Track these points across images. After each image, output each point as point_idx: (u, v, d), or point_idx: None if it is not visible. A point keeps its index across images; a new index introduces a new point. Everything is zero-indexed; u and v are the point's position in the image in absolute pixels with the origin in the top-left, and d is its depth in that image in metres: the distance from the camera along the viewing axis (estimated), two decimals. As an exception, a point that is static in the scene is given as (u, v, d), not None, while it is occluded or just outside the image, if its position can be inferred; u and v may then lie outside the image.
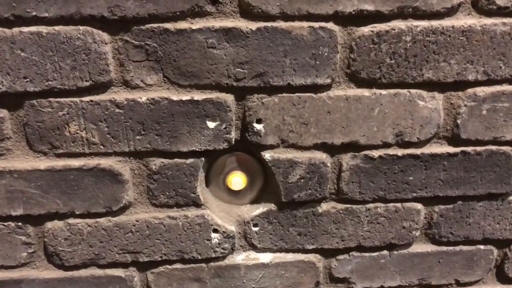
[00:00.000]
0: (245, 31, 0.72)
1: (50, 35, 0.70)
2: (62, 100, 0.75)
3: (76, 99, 0.75)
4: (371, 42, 0.75)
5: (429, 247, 0.97)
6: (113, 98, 0.75)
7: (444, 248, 0.97)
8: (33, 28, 0.70)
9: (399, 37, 0.74)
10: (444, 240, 0.96)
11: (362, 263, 0.97)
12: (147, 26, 0.71)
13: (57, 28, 0.70)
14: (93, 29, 0.70)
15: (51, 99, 0.74)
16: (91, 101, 0.75)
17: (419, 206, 0.91)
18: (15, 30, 0.69)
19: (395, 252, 0.97)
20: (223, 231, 0.88)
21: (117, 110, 0.76)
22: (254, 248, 0.93)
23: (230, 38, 0.72)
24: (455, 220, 0.94)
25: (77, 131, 0.77)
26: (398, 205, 0.91)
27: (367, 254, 0.96)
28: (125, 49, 0.72)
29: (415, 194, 0.89)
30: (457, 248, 0.98)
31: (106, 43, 0.71)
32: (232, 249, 0.91)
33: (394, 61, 0.76)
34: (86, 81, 0.73)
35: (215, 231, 0.89)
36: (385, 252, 0.96)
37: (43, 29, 0.70)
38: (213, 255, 0.91)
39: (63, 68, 0.72)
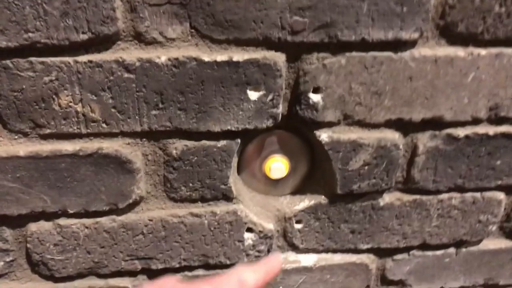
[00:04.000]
0: (310, -37, 0.50)
1: (29, -36, 0.47)
2: (48, 60, 0.53)
3: (69, 59, 0.53)
4: (478, -18, 0.54)
5: (503, 243, 0.80)
6: (121, 57, 0.54)
7: (520, 244, 0.80)
8: (2, -48, 0.47)
9: (517, -25, 0.54)
10: (523, 235, 0.79)
11: (423, 263, 0.79)
12: (172, -48, 0.49)
13: (39, -48, 0.47)
14: (93, -45, 0.48)
15: (33, 59, 0.52)
16: (90, 62, 0.53)
17: (501, 195, 0.73)
18: (-24, -46, 0.47)
19: (463, 250, 0.79)
20: (260, 230, 0.69)
21: (126, 75, 0.54)
22: (294, 248, 0.74)
23: (288, -27, 0.51)
24: (540, 211, 0.76)
25: (70, 104, 0.55)
26: (477, 195, 0.72)
27: (430, 253, 0.78)
28: (139, -13, 0.50)
29: (499, 182, 0.71)
30: (536, 243, 0.81)
31: (111, -22, 0.49)
32: (268, 250, 0.72)
33: (505, 9, 0.56)
34: (83, 33, 0.51)
35: (250, 230, 0.69)
36: (451, 250, 0.79)
37: (18, -46, 0.47)
38: (245, 260, 0.72)
39: (50, 14, 0.50)
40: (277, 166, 0.67)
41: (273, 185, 0.71)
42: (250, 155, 0.68)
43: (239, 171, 0.69)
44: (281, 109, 0.60)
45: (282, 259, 0.52)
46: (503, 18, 0.57)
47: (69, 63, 0.53)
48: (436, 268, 0.80)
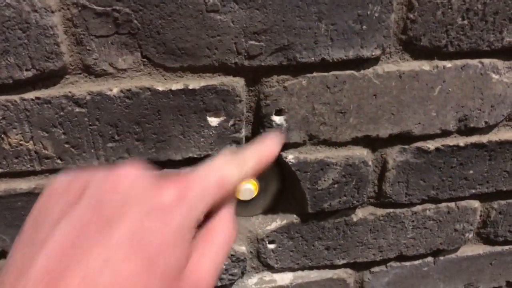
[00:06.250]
0: (262, -14, 0.48)
1: (-38, 2, 0.45)
2: (-8, 99, 0.50)
3: (15, 97, 0.50)
4: (439, -4, 0.52)
5: (481, 249, 0.79)
6: (70, 92, 0.51)
7: (498, 248, 0.80)
8: None
9: (478, -14, 0.52)
10: (500, 240, 0.78)
11: (401, 274, 0.78)
12: (114, -18, 0.46)
13: (-29, -10, 0.44)
14: (30, -11, 0.45)
15: (-24, 99, 0.50)
16: (38, 98, 0.51)
17: (476, 204, 0.72)
18: None
19: (441, 258, 0.78)
20: (231, 254, 0.67)
21: (77, 110, 0.52)
22: (270, 268, 0.72)
23: (240, -3, 0.48)
24: (516, 216, 0.75)
25: (21, 142, 0.53)
26: (452, 204, 0.71)
27: (408, 263, 0.77)
28: (83, 19, 0.48)
29: (473, 191, 0.70)
30: (514, 247, 0.80)
31: (52, 11, 0.46)
32: (243, 273, 0.71)
33: (468, 22, 0.55)
34: (27, 70, 0.49)
35: (221, 254, 0.67)
36: (429, 259, 0.78)
37: (-51, -8, 0.44)
38: (219, 283, 0.70)
39: (-11, 53, 0.47)
40: (246, 187, 0.65)
41: (243, 206, 0.69)
42: (217, 178, 0.65)
43: (207, 194, 0.67)
44: (244, 133, 0.58)
45: (280, 141, 0.33)
46: (467, 30, 0.55)
47: (15, 101, 0.50)
48: (415, 278, 0.79)
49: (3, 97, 0.50)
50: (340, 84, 0.56)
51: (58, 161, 0.55)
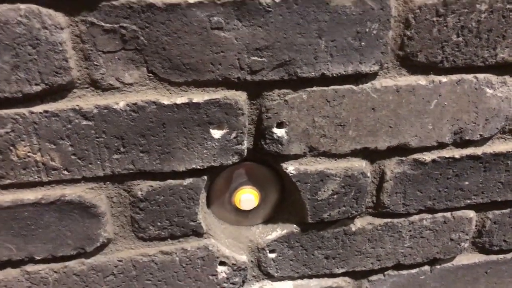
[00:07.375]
0: (264, 4, 0.50)
1: (-25, 19, 0.46)
2: (2, 112, 0.51)
3: (24, 111, 0.52)
4: (434, 14, 0.54)
5: (477, 257, 0.81)
6: (78, 105, 0.53)
7: (494, 257, 0.81)
8: None
9: (473, 5, 0.54)
10: (495, 249, 0.79)
11: (399, 282, 0.79)
12: (122, 0, 0.48)
13: (-16, 8, 0.46)
14: (40, 7, 0.47)
15: (-14, 112, 0.51)
16: (46, 112, 0.52)
17: (471, 214, 0.74)
18: None
19: (438, 267, 0.80)
20: (233, 263, 0.69)
21: (84, 122, 0.53)
22: (270, 277, 0.73)
23: (243, 15, 0.50)
24: (510, 226, 0.77)
25: (29, 154, 0.54)
26: (448, 214, 0.73)
27: (405, 272, 0.79)
28: (91, 36, 0.49)
29: (469, 201, 0.71)
30: (508, 256, 0.82)
31: (62, 28, 0.48)
32: (243, 281, 0.72)
33: (462, 39, 0.56)
34: (36, 84, 0.50)
35: (223, 263, 0.69)
36: (426, 267, 0.79)
37: (-37, 10, 0.46)
38: (220, 292, 0.71)
39: (0, 68, 0.48)
40: (247, 197, 0.67)
41: (244, 216, 0.71)
42: (219, 188, 0.67)
43: (209, 204, 0.69)
44: (246, 145, 0.59)
45: None
46: (462, 47, 0.57)
47: (24, 114, 0.52)
48: (412, 286, 0.81)
49: (12, 110, 0.52)
50: (340, 98, 0.58)
51: (65, 172, 0.56)
